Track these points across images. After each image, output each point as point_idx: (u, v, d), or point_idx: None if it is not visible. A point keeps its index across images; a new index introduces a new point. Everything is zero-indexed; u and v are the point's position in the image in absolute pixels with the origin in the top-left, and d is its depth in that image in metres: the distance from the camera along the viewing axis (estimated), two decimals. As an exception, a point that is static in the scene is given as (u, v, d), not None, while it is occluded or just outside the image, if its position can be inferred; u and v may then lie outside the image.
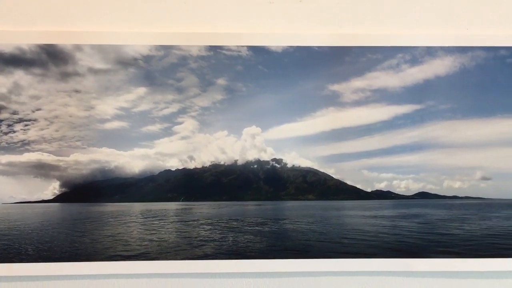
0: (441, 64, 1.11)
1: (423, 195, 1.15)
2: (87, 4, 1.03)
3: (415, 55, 1.10)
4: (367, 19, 1.06)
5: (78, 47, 1.05)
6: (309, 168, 1.14)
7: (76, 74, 1.06)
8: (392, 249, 1.12)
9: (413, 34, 1.08)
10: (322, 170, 1.15)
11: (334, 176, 1.15)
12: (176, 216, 1.14)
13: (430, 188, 1.14)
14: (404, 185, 1.15)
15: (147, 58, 1.06)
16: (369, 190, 1.15)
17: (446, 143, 1.14)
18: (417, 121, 1.12)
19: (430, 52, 1.10)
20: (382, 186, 1.16)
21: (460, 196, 1.15)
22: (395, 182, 1.14)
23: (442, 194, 1.14)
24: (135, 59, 1.06)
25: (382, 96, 1.12)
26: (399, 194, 1.15)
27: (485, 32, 1.07)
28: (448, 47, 1.09)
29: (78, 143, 1.08)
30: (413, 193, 1.15)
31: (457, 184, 1.15)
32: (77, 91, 1.06)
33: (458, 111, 1.13)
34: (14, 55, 1.07)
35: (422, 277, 1.12)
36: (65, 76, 1.07)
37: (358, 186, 1.15)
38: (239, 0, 1.07)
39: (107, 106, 1.07)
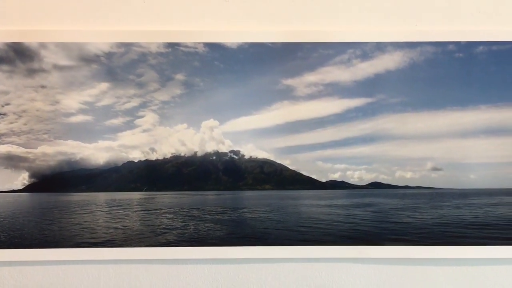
0: (391, 59, 1.12)
1: (376, 185, 1.17)
2: (52, 4, 1.06)
3: (366, 50, 1.12)
4: (318, 16, 1.08)
5: (43, 45, 1.08)
6: (266, 159, 1.15)
7: (42, 70, 1.09)
8: (346, 237, 1.14)
9: (364, 30, 1.09)
10: (278, 161, 1.15)
11: (290, 167, 1.16)
12: (139, 205, 1.16)
13: (383, 178, 1.16)
14: (358, 176, 1.17)
15: (109, 55, 1.09)
16: (323, 180, 1.17)
17: (397, 135, 1.15)
18: (369, 114, 1.13)
19: (380, 47, 1.11)
20: (336, 176, 1.17)
21: (411, 186, 1.17)
22: (348, 172, 1.16)
23: (394, 184, 1.16)
24: (97, 56, 1.09)
25: (334, 90, 1.13)
26: (353, 184, 1.17)
27: (434, 28, 1.09)
28: (398, 42, 1.11)
29: (45, 136, 1.11)
30: (366, 183, 1.17)
31: (408, 175, 1.16)
32: (43, 87, 1.09)
33: (409, 104, 1.14)
34: None
35: (376, 263, 1.15)
36: (31, 72, 1.09)
37: (313, 177, 1.16)
38: None
39: (72, 100, 1.10)
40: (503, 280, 1.14)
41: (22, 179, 1.14)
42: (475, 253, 1.13)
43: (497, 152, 1.13)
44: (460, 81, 1.13)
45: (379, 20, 1.08)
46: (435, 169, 1.16)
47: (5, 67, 1.09)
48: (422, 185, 1.17)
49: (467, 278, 1.14)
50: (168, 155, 1.16)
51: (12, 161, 1.12)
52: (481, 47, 1.10)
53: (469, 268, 1.14)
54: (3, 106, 1.10)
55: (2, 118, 1.10)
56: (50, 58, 1.09)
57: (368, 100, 1.13)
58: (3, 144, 1.11)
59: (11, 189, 1.15)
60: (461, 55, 1.12)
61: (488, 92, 1.13)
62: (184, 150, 1.16)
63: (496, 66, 1.11)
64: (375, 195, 1.19)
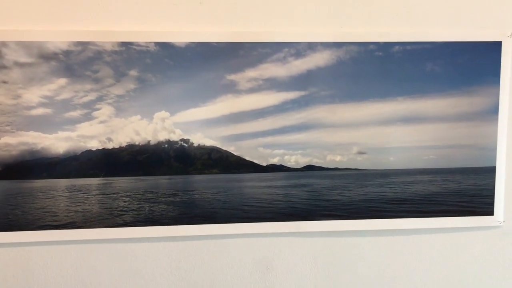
0: (321, 57, 1.17)
1: (310, 168, 1.22)
2: (12, 5, 1.08)
3: (299, 49, 1.16)
4: (258, 19, 1.13)
5: (4, 44, 1.09)
6: (213, 146, 1.19)
7: (3, 67, 1.10)
8: (285, 214, 1.22)
9: (297, 32, 1.15)
10: (224, 148, 1.19)
11: (235, 153, 1.20)
12: (98, 190, 1.19)
13: (316, 162, 1.22)
14: (294, 160, 1.22)
15: (67, 53, 1.10)
16: (264, 164, 1.22)
17: (327, 123, 1.20)
18: (303, 105, 1.19)
19: (311, 47, 1.16)
20: (275, 161, 1.22)
21: (340, 168, 1.23)
22: (286, 157, 1.21)
23: (325, 166, 1.23)
24: (56, 54, 1.10)
25: (272, 84, 1.17)
26: (290, 167, 1.22)
27: (357, 30, 1.16)
28: (327, 42, 1.16)
29: (8, 128, 1.13)
30: (301, 166, 1.22)
31: (338, 158, 1.23)
32: (5, 82, 1.11)
33: (336, 97, 1.19)
34: None
35: (311, 236, 1.24)
36: None
37: (255, 161, 1.21)
38: (147, 1, 1.10)
39: (32, 95, 1.12)
40: (418, 248, 1.27)
41: None
42: (395, 224, 1.23)
43: (412, 137, 1.22)
44: (379, 76, 1.19)
45: (310, 23, 1.15)
46: (360, 153, 1.23)
47: None
48: (350, 167, 1.23)
49: (388, 246, 1.26)
50: (124, 144, 1.18)
51: None
52: (397, 47, 1.17)
53: (390, 238, 1.26)
54: None
55: None
56: (11, 55, 1.10)
57: (302, 93, 1.19)
58: None
59: None
60: (380, 53, 1.18)
61: (403, 86, 1.19)
62: (138, 139, 1.18)
63: (410, 63, 1.18)
64: (310, 177, 1.24)
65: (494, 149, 1.23)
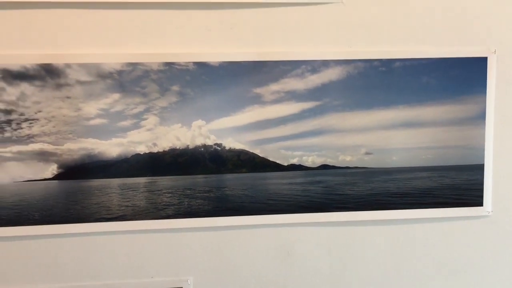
0: (333, 72, 1.29)
1: (324, 167, 1.33)
2: (74, 32, 1.22)
3: (314, 66, 1.27)
4: (279, 40, 1.26)
5: (68, 65, 1.21)
6: (242, 149, 1.31)
7: (67, 84, 1.22)
8: (303, 207, 1.34)
9: (313, 51, 1.27)
10: (251, 150, 1.31)
11: (260, 155, 1.31)
12: (145, 187, 1.30)
13: (329, 162, 1.34)
14: (311, 160, 1.33)
15: (120, 72, 1.23)
16: (285, 164, 1.33)
17: (339, 128, 1.32)
18: (318, 113, 1.30)
19: (325, 64, 1.28)
20: (295, 161, 1.33)
21: (350, 166, 1.34)
22: (304, 158, 1.32)
23: (338, 165, 1.34)
24: (111, 73, 1.23)
25: (292, 96, 1.29)
26: (307, 167, 1.33)
27: (363, 49, 1.28)
28: (338, 60, 1.27)
29: (70, 135, 1.25)
30: (317, 166, 1.33)
31: (348, 158, 1.34)
32: (68, 97, 1.23)
33: (346, 106, 1.31)
34: (20, 72, 1.21)
35: (325, 226, 1.36)
36: (59, 86, 1.22)
37: (278, 162, 1.32)
38: (186, 28, 1.25)
39: (91, 108, 1.24)
40: (418, 235, 1.40)
41: (51, 170, 1.26)
42: (398, 215, 1.37)
43: (412, 140, 1.34)
44: (383, 88, 1.31)
45: (324, 44, 1.27)
46: (367, 153, 1.34)
47: (37, 83, 1.22)
48: (358, 166, 1.34)
49: (391, 234, 1.39)
50: (167, 148, 1.29)
51: (44, 156, 1.25)
52: (397, 63, 1.29)
53: (393, 226, 1.38)
54: (36, 113, 1.23)
55: (36, 122, 1.23)
56: (73, 75, 1.22)
57: (317, 103, 1.30)
58: (36, 142, 1.24)
59: (43, 178, 1.26)
60: (383, 69, 1.30)
61: (404, 96, 1.31)
62: (178, 144, 1.29)
63: (409, 76, 1.30)
64: (324, 175, 1.34)
65: (482, 149, 1.37)
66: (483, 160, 1.38)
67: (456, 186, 1.38)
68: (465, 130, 1.36)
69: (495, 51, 1.35)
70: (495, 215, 1.41)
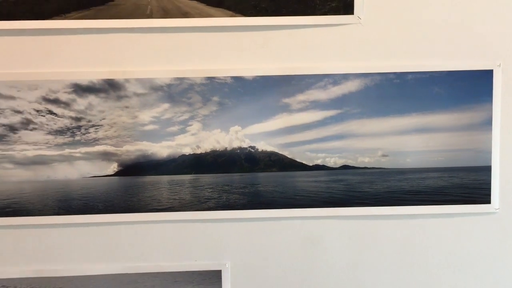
0: (352, 84, 1.38)
1: (345, 167, 1.43)
2: (132, 53, 1.37)
3: (336, 79, 1.37)
4: (304, 57, 1.38)
5: (127, 80, 1.36)
6: (272, 151, 1.42)
7: (126, 96, 1.37)
8: (326, 202, 1.43)
9: (334, 66, 1.38)
10: (281, 152, 1.42)
11: (288, 156, 1.42)
12: (189, 183, 1.42)
13: (350, 162, 1.43)
14: (333, 161, 1.43)
15: (169, 86, 1.37)
16: (311, 164, 1.43)
17: (358, 133, 1.42)
18: (339, 120, 1.41)
19: (345, 77, 1.38)
20: (319, 162, 1.43)
21: (368, 167, 1.43)
22: (327, 159, 1.43)
23: (357, 166, 1.44)
24: (162, 86, 1.37)
25: (316, 105, 1.40)
26: (330, 167, 1.43)
27: (379, 64, 1.38)
28: (357, 73, 1.37)
29: (128, 139, 1.40)
30: (338, 166, 1.43)
31: (366, 160, 1.43)
32: (126, 107, 1.38)
33: (364, 113, 1.41)
34: (88, 86, 1.37)
35: (346, 219, 1.46)
36: (119, 98, 1.38)
37: (304, 162, 1.43)
38: (224, 48, 1.38)
39: (145, 115, 1.39)
40: (430, 229, 1.48)
41: (113, 167, 1.42)
42: (411, 210, 1.45)
43: (424, 144, 1.43)
44: (397, 97, 1.40)
45: (344, 59, 1.39)
46: (383, 155, 1.43)
47: (102, 95, 1.38)
48: (375, 167, 1.43)
49: (406, 227, 1.47)
50: (208, 150, 1.42)
51: (107, 156, 1.41)
52: (410, 75, 1.38)
53: (407, 221, 1.46)
54: (101, 120, 1.39)
55: (100, 128, 1.39)
56: (131, 88, 1.37)
57: (338, 111, 1.40)
58: (101, 145, 1.40)
59: (106, 174, 1.42)
60: (398, 81, 1.38)
61: (416, 104, 1.41)
62: (218, 147, 1.43)
63: (421, 87, 1.39)
64: (345, 174, 1.43)
65: (489, 152, 1.45)
66: (490, 162, 1.45)
67: (465, 185, 1.45)
68: (473, 135, 1.44)
69: (500, 64, 1.41)
70: (501, 212, 1.47)
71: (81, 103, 1.41)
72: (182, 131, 1.43)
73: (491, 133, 1.45)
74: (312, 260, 1.48)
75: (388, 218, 1.46)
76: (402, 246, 1.49)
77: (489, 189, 1.46)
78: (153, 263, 1.46)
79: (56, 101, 1.40)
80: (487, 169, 1.46)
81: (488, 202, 1.47)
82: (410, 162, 1.45)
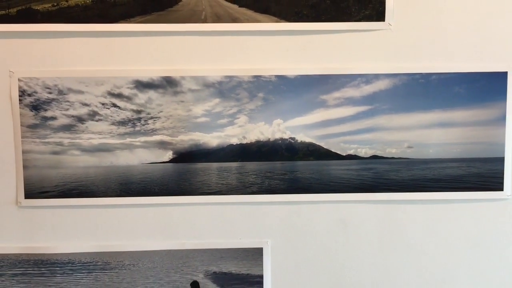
0: (382, 83, 1.48)
1: (374, 157, 1.53)
2: (187, 53, 1.48)
3: (368, 78, 1.47)
4: (340, 58, 1.49)
5: (183, 77, 1.46)
6: (310, 142, 1.53)
7: (181, 92, 1.47)
8: (357, 187, 1.54)
9: (366, 67, 1.48)
10: (317, 143, 1.52)
11: (324, 147, 1.52)
12: (236, 170, 1.53)
13: (378, 153, 1.54)
14: (364, 151, 1.53)
15: (220, 83, 1.47)
16: (344, 154, 1.53)
17: (386, 127, 1.52)
18: (370, 115, 1.51)
19: (376, 76, 1.48)
20: (351, 152, 1.53)
21: (395, 157, 1.53)
22: (358, 149, 1.53)
23: (385, 156, 1.53)
24: (213, 83, 1.47)
25: (350, 101, 1.50)
26: (361, 157, 1.53)
27: (407, 65, 1.49)
28: (386, 74, 1.47)
29: (183, 130, 1.50)
30: (368, 156, 1.54)
31: (393, 150, 1.53)
32: (182, 101, 1.48)
33: (393, 109, 1.50)
34: (148, 82, 1.47)
35: (375, 203, 1.56)
36: (175, 93, 1.48)
37: (338, 152, 1.52)
38: (269, 49, 1.48)
39: (198, 109, 1.49)
40: (450, 213, 1.58)
41: (168, 155, 1.52)
42: (433, 196, 1.55)
43: (445, 137, 1.53)
44: (422, 95, 1.50)
45: (375, 61, 1.49)
46: (409, 147, 1.53)
47: (160, 91, 1.48)
48: (402, 157, 1.52)
49: (428, 211, 1.58)
50: (253, 140, 1.53)
51: (163, 145, 1.52)
52: (434, 76, 1.48)
53: (429, 205, 1.56)
54: (158, 113, 1.49)
55: (158, 119, 1.50)
56: (186, 85, 1.47)
57: (369, 107, 1.50)
58: (158, 135, 1.51)
59: (162, 161, 1.52)
60: (422, 80, 1.49)
61: (438, 102, 1.51)
62: (262, 137, 1.53)
63: (443, 87, 1.49)
64: (374, 163, 1.54)
65: (503, 144, 1.55)
66: (503, 154, 1.55)
67: (480, 174, 1.54)
68: (488, 129, 1.54)
69: (515, 66, 1.49)
70: (513, 198, 1.50)
71: (142, 97, 1.50)
72: (231, 123, 1.52)
73: (505, 128, 1.54)
74: (344, 241, 1.57)
75: (412, 203, 1.56)
76: (425, 228, 1.58)
77: (502, 177, 1.55)
78: (202, 241, 1.55)
79: (119, 96, 1.50)
80: (501, 160, 1.55)
81: (501, 189, 1.56)
82: (432, 153, 1.54)
